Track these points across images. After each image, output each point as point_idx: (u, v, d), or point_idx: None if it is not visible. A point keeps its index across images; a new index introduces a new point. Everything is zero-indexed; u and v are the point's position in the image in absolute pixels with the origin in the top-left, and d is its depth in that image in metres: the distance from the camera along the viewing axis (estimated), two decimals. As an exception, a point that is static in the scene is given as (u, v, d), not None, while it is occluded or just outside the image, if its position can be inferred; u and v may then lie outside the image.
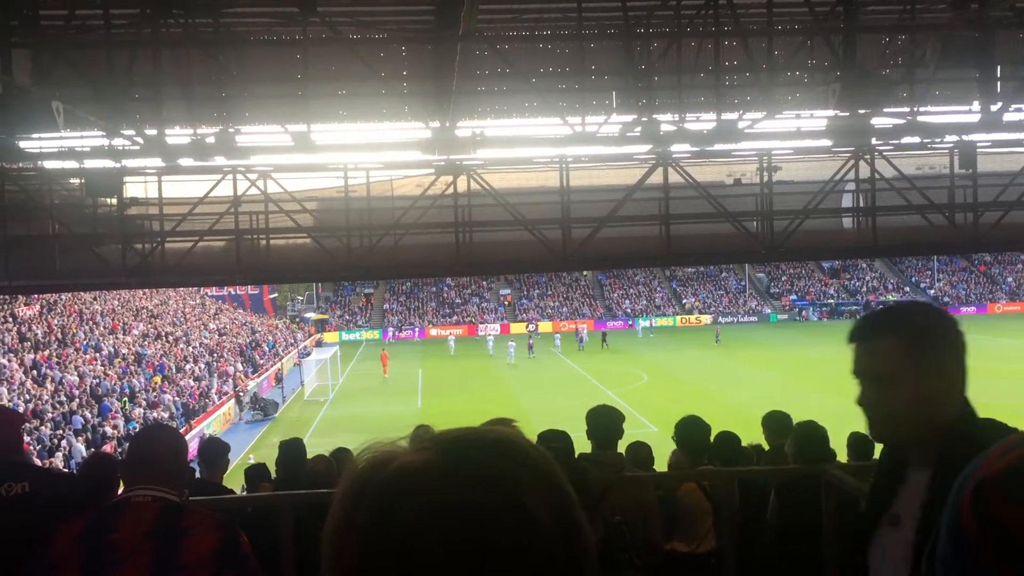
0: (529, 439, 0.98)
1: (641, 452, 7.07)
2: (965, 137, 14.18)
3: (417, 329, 75.36)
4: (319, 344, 66.50)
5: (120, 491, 3.54)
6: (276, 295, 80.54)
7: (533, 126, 15.39)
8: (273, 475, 7.97)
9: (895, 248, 19.13)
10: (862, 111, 11.94)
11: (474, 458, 0.92)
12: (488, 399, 38.71)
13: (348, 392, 45.19)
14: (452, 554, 0.85)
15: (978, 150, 14.41)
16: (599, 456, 5.50)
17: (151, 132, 12.17)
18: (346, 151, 14.37)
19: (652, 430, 27.19)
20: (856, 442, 7.03)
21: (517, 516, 0.88)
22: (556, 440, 4.85)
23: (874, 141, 13.94)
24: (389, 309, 79.87)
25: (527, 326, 72.24)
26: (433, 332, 73.81)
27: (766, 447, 7.31)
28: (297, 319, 76.78)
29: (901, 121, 13.05)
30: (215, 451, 6.95)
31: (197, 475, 6.47)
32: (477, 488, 0.88)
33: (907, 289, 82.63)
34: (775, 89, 13.30)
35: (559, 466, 0.95)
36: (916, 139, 14.18)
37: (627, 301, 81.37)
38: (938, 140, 14.46)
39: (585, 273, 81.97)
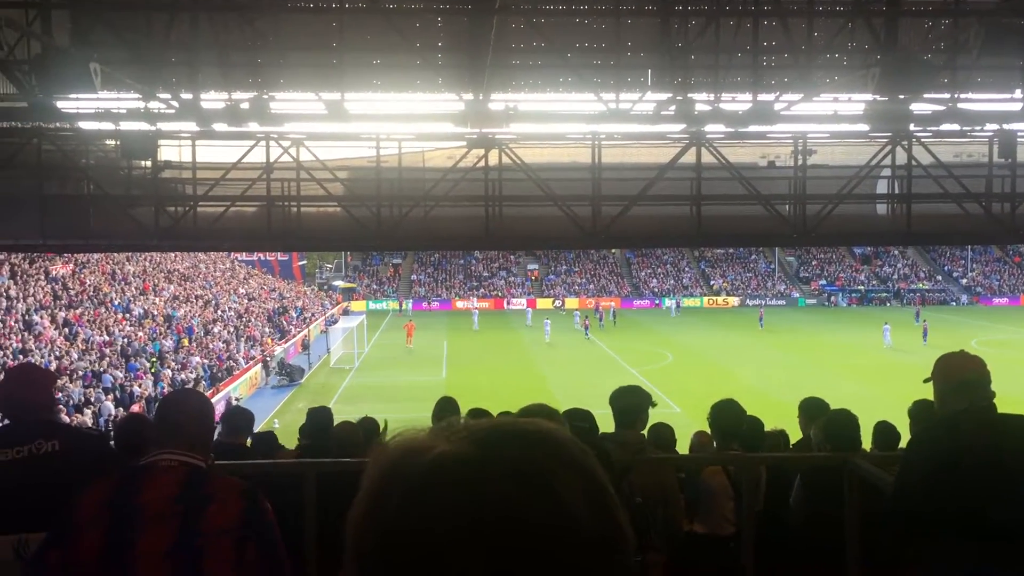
0: (568, 433, 0.96)
1: (663, 433, 7.07)
2: (1006, 126, 13.93)
3: (426, 301, 75.53)
4: (346, 312, 66.89)
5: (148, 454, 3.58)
6: (305, 262, 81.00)
7: (567, 101, 15.30)
8: (295, 442, 8.04)
9: (929, 236, 18.90)
10: (901, 96, 11.77)
11: (510, 451, 0.89)
12: (512, 373, 38.84)
13: (374, 361, 45.47)
14: (486, 545, 0.83)
15: (1018, 139, 14.15)
16: (620, 436, 5.49)
17: (186, 96, 12.23)
18: (379, 121, 14.35)
19: (676, 411, 27.17)
20: (882, 431, 6.98)
21: (553, 510, 0.86)
22: (580, 419, 4.85)
23: (912, 127, 13.72)
24: (417, 280, 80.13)
25: (553, 303, 72.16)
26: (460, 305, 73.98)
27: (799, 433, 7.26)
28: (325, 287, 77.23)
29: (941, 107, 12.84)
30: (240, 420, 7.02)
31: (217, 437, 6.56)
32: (513, 481, 0.86)
33: (939, 278, 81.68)
34: (813, 71, 13.12)
35: (598, 462, 0.93)
36: (955, 126, 13.95)
37: (654, 280, 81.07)
38: (978, 128, 14.22)
39: (613, 251, 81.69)
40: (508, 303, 74.41)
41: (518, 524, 0.84)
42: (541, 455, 0.90)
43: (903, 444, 6.33)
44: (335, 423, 7.06)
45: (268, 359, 41.07)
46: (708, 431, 6.51)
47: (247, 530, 2.91)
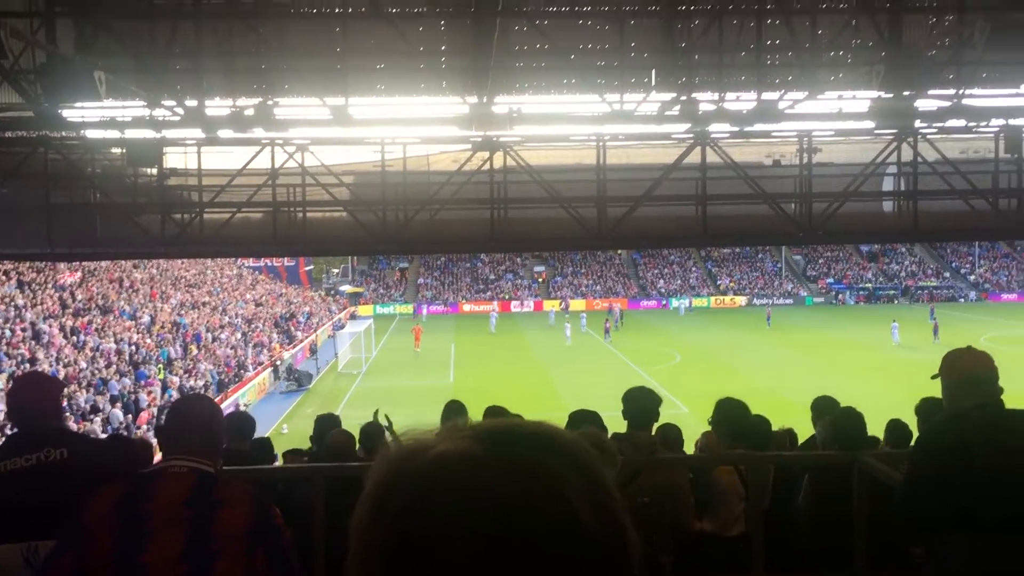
0: (572, 434, 0.95)
1: (671, 433, 7.06)
2: (1011, 121, 13.89)
3: (443, 304, 75.53)
4: (353, 317, 66.96)
5: (157, 460, 3.59)
6: (312, 267, 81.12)
7: (571, 103, 15.31)
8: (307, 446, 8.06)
9: (936, 233, 18.83)
10: (906, 93, 11.74)
11: (514, 449, 0.89)
12: (520, 375, 38.83)
13: (381, 365, 45.51)
14: (489, 542, 0.83)
15: (1025, 135, 14.11)
16: (633, 437, 5.50)
17: (191, 103, 12.26)
18: (383, 125, 14.38)
19: (683, 411, 27.13)
20: (894, 429, 6.96)
21: (558, 507, 0.85)
22: (587, 420, 4.85)
23: (918, 124, 13.69)
24: (423, 284, 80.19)
25: (559, 304, 72.14)
26: (467, 308, 73.95)
27: (807, 432, 7.24)
28: (332, 292, 77.34)
29: (946, 104, 12.81)
30: (242, 425, 7.03)
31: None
32: (518, 478, 0.86)
33: (947, 275, 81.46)
34: (818, 69, 13.11)
35: (603, 464, 0.92)
36: (961, 122, 13.92)
37: (661, 281, 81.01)
38: (983, 124, 14.18)
39: (620, 252, 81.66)
40: (522, 305, 74.36)
41: (521, 524, 0.83)
42: (546, 455, 0.89)
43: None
44: (331, 432, 7.07)
45: (278, 363, 41.15)
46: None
47: (257, 535, 2.91)
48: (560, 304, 72.09)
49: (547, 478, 0.87)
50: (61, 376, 25.75)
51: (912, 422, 6.73)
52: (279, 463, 7.56)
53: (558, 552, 0.84)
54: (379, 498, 0.90)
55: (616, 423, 5.82)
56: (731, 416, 6.21)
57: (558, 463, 0.88)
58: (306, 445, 8.43)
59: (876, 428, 6.77)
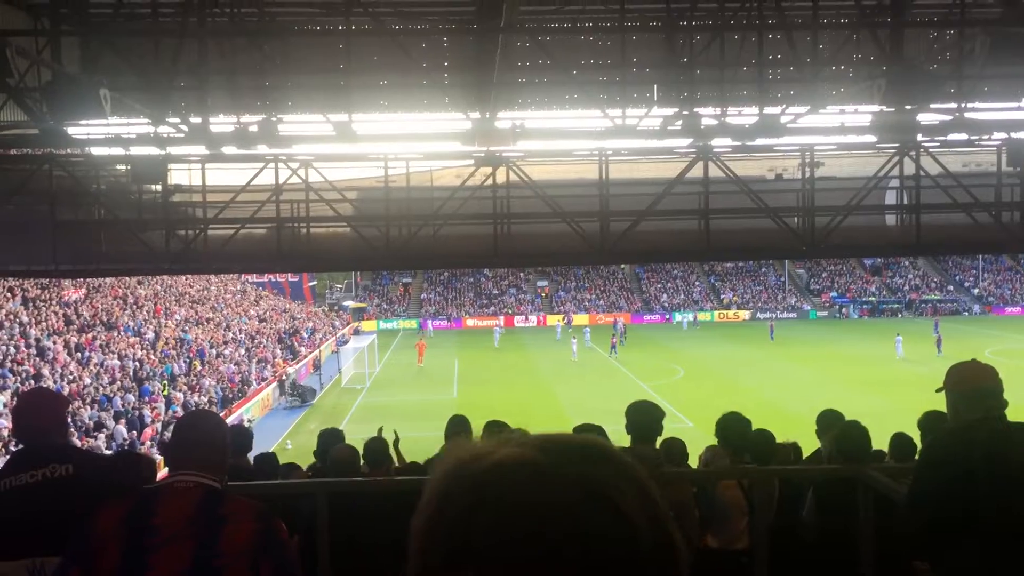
0: (621, 449, 0.97)
1: (675, 448, 7.05)
2: (1014, 134, 13.91)
3: (447, 320, 75.49)
4: (357, 332, 66.98)
5: (162, 476, 3.60)
6: (315, 283, 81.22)
7: (573, 118, 15.36)
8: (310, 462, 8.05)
9: (939, 246, 18.82)
10: (908, 107, 11.77)
11: (575, 461, 0.90)
12: (523, 390, 38.79)
13: (385, 380, 45.49)
14: (548, 550, 0.84)
15: (1027, 148, 14.12)
16: (637, 451, 5.50)
17: (196, 120, 12.32)
18: (387, 141, 14.43)
19: (688, 425, 27.08)
20: (899, 443, 6.94)
21: (614, 519, 0.87)
22: (590, 434, 4.84)
23: (920, 137, 13.71)
24: (427, 299, 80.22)
25: (562, 318, 72.08)
26: (470, 323, 73.91)
27: (813, 445, 7.22)
28: (336, 307, 77.38)
29: (948, 117, 12.84)
30: (240, 439, 7.04)
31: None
32: (579, 490, 0.87)
33: (951, 288, 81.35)
34: (819, 84, 13.14)
35: (650, 478, 0.94)
36: (963, 136, 13.94)
37: (664, 295, 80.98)
38: (986, 137, 14.21)
39: (623, 266, 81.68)
40: (526, 319, 74.32)
41: (580, 534, 0.85)
42: (601, 468, 0.90)
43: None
44: (334, 446, 7.07)
45: (284, 378, 41.17)
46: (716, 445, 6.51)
47: (262, 551, 2.92)
48: (563, 319, 72.00)
49: (603, 490, 0.88)
50: (65, 392, 25.76)
51: (916, 436, 6.72)
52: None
53: (614, 561, 0.85)
54: (438, 504, 0.91)
55: (620, 437, 5.82)
56: (735, 430, 6.21)
57: (612, 476, 0.90)
58: (309, 460, 8.43)
59: (880, 442, 6.76)
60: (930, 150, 14.06)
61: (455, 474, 0.91)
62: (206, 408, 30.00)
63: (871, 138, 13.87)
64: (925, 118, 12.76)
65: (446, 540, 0.88)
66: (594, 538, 0.85)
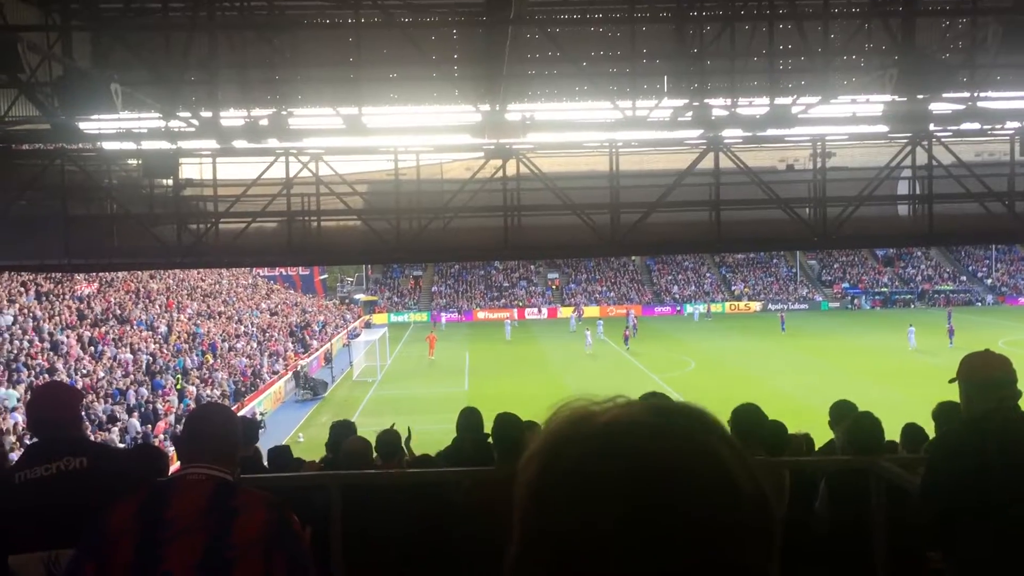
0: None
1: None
2: (1027, 123, 13.84)
3: (457, 312, 75.54)
4: (368, 325, 67.10)
5: (174, 469, 3.61)
6: (326, 276, 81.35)
7: (583, 110, 15.33)
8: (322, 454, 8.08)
9: (952, 236, 18.74)
10: (920, 96, 11.70)
11: (678, 420, 0.95)
12: (534, 382, 38.80)
13: (396, 373, 45.57)
14: (665, 507, 0.87)
15: (1041, 137, 14.04)
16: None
17: (206, 114, 12.35)
18: (397, 134, 14.45)
19: (699, 417, 27.02)
20: (911, 434, 6.91)
21: (726, 481, 0.91)
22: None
23: (932, 127, 13.64)
24: (437, 292, 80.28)
25: (573, 311, 72.02)
26: (481, 316, 73.92)
27: (826, 436, 7.20)
28: (347, 300, 77.52)
29: (960, 107, 12.76)
30: (246, 431, 7.06)
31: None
32: (689, 453, 0.91)
33: (963, 278, 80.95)
34: (830, 74, 13.08)
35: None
36: (976, 125, 13.86)
37: (675, 287, 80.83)
38: (999, 126, 14.12)
39: (633, 258, 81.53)
40: (539, 312, 74.32)
41: (696, 488, 0.89)
42: (703, 429, 0.96)
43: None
44: (347, 439, 7.09)
45: (300, 369, 41.34)
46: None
47: (274, 542, 2.93)
48: (574, 311, 71.96)
49: (715, 457, 0.93)
50: (79, 387, 25.91)
51: (929, 427, 6.69)
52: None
53: (723, 518, 0.90)
54: (550, 458, 0.94)
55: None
56: (747, 421, 6.19)
57: (717, 439, 0.95)
58: (321, 453, 8.46)
59: (893, 433, 6.73)
60: (942, 139, 13.99)
61: (568, 431, 0.95)
62: (218, 401, 30.15)
63: (883, 128, 13.80)
64: (937, 107, 12.68)
65: (556, 488, 0.91)
66: (706, 493, 0.89)
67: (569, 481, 0.90)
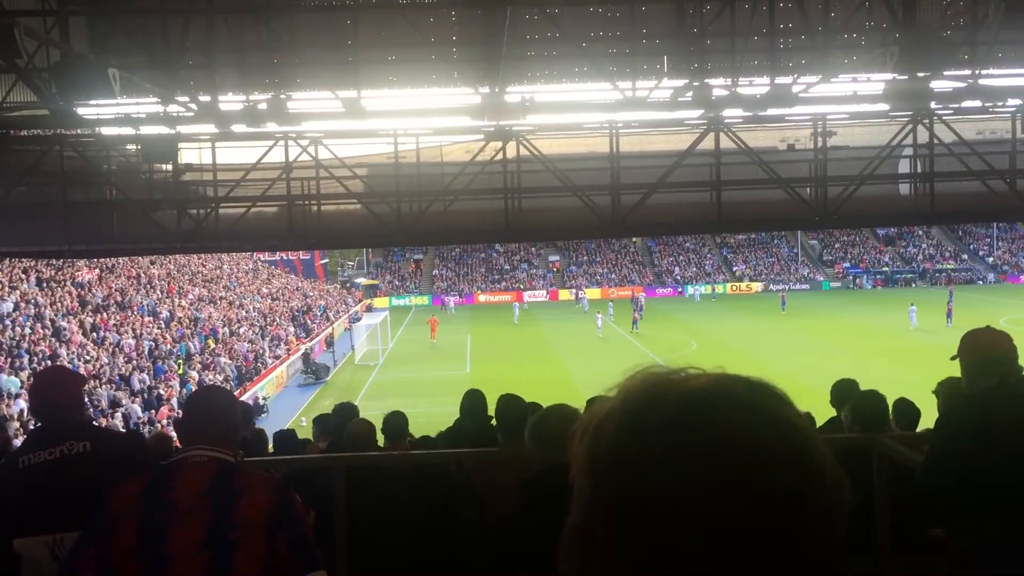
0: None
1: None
2: (1029, 101, 13.78)
3: (458, 295, 75.55)
4: (369, 309, 67.11)
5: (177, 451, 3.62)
6: (327, 260, 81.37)
7: (583, 91, 15.27)
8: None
9: (953, 215, 18.72)
10: (921, 74, 11.65)
11: (766, 399, 0.94)
12: (535, 364, 38.86)
13: (398, 357, 45.63)
14: (746, 468, 0.87)
15: (1042, 114, 13.98)
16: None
17: (205, 99, 12.32)
18: (396, 117, 14.40)
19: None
20: (901, 409, 6.90)
21: (810, 455, 0.91)
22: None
23: (933, 105, 13.59)
24: (438, 275, 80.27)
25: (577, 293, 71.98)
26: (482, 299, 73.91)
27: (827, 415, 7.19)
28: (348, 284, 77.55)
29: (962, 84, 12.71)
30: (245, 413, 7.09)
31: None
32: (779, 421, 0.91)
33: (965, 257, 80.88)
34: (831, 52, 13.02)
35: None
36: (977, 103, 13.80)
37: (677, 268, 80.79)
38: (1000, 104, 14.06)
39: (634, 240, 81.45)
40: (530, 296, 74.32)
41: (786, 458, 0.89)
42: (786, 403, 0.95)
43: (923, 422, 6.30)
44: (351, 421, 7.10)
45: (308, 352, 41.40)
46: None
47: (277, 522, 2.94)
48: (571, 293, 71.89)
49: (797, 436, 0.92)
50: (82, 372, 25.96)
51: (928, 404, 6.68)
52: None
53: (807, 490, 0.89)
54: (637, 421, 0.92)
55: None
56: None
57: (795, 414, 0.95)
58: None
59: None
60: (944, 118, 13.93)
61: (655, 395, 0.94)
62: (219, 385, 30.17)
63: (884, 106, 13.74)
64: (938, 85, 12.63)
65: (641, 450, 0.90)
66: (795, 464, 0.89)
67: (658, 446, 0.89)
